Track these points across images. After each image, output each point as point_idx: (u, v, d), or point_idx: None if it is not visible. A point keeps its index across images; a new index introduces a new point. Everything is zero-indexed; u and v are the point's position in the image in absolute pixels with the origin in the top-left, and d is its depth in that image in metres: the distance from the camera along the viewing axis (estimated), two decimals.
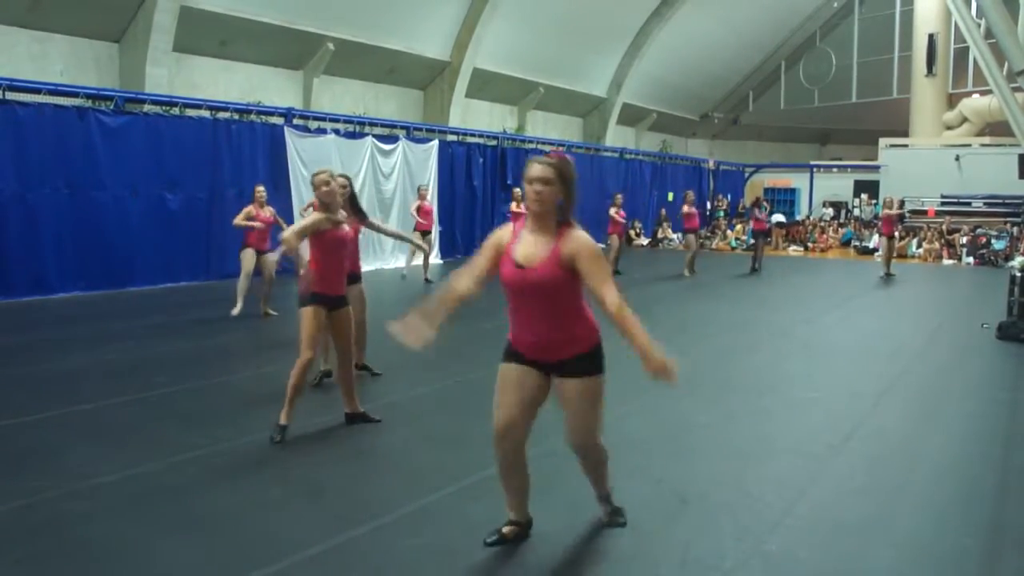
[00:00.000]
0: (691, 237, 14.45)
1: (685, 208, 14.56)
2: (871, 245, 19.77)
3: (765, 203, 18.39)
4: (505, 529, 3.28)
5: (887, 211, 14.58)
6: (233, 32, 14.16)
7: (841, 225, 23.46)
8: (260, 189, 9.09)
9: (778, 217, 22.20)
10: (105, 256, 10.57)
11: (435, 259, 15.78)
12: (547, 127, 22.91)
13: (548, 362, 3.05)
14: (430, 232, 13.28)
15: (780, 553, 3.24)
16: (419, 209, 12.75)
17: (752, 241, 16.01)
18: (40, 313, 8.95)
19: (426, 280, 12.32)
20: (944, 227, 19.95)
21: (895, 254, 16.32)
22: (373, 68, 17.25)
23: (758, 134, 30.32)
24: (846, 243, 21.95)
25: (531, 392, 3.08)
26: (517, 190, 13.75)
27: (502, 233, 3.11)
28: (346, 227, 4.97)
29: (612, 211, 13.90)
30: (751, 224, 16.44)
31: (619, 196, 14.22)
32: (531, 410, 3.11)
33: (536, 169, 2.94)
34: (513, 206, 13.35)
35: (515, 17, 18.65)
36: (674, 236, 21.37)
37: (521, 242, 3.00)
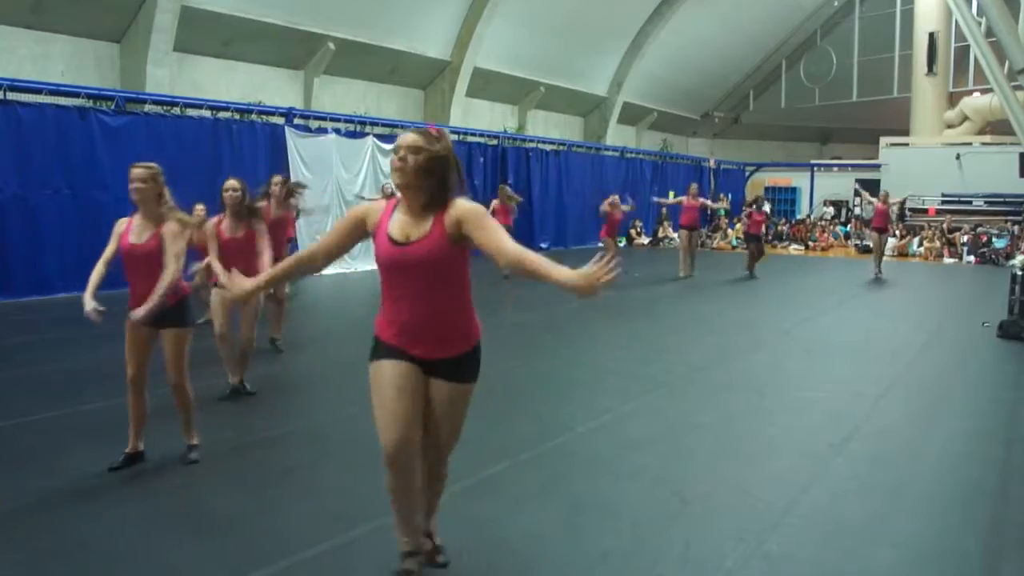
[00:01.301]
0: (684, 233, 13.56)
1: (685, 200, 13.68)
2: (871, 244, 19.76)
3: (766, 200, 17.27)
4: (409, 566, 2.81)
5: (880, 204, 14.30)
6: (234, 32, 14.16)
7: (842, 224, 23.52)
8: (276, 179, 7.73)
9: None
10: None
11: None
12: (548, 126, 22.90)
13: (424, 359, 2.70)
14: None
15: (780, 553, 3.23)
16: None
17: (745, 245, 15.08)
18: (40, 313, 8.96)
19: None
20: (945, 226, 19.93)
21: (890, 252, 16.29)
22: (374, 68, 17.25)
23: (759, 133, 30.29)
24: (846, 236, 22.07)
25: (417, 395, 2.69)
26: (508, 189, 13.62)
27: (371, 207, 2.79)
28: (233, 231, 5.41)
29: (604, 205, 13.10)
30: (745, 225, 15.33)
31: (615, 196, 13.45)
32: (419, 416, 2.70)
33: (406, 138, 2.64)
34: (495, 204, 13.02)
35: (516, 17, 18.65)
36: (675, 236, 21.36)
37: (395, 221, 2.68)
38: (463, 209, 2.62)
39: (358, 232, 2.77)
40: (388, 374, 2.67)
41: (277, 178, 7.33)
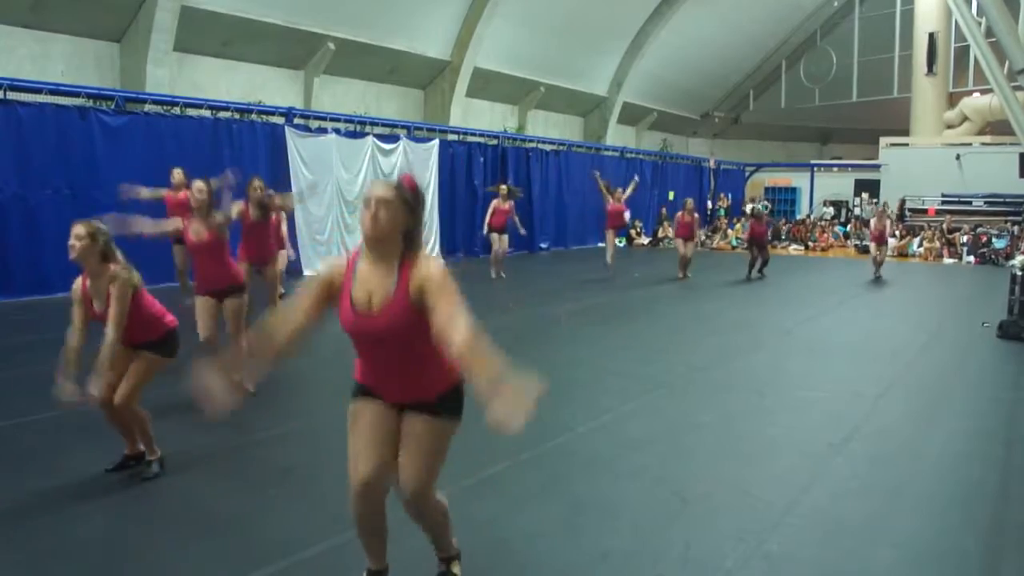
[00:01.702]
0: (680, 242, 13.81)
1: (683, 216, 13.92)
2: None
3: (766, 202, 16.97)
4: None
5: (876, 222, 14.41)
6: (234, 32, 14.16)
7: (842, 224, 23.54)
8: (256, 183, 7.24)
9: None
10: None
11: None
12: (548, 126, 22.90)
13: (402, 403, 2.67)
14: None
15: (780, 553, 3.24)
16: None
17: (746, 247, 15.14)
18: (40, 313, 8.96)
19: None
20: (945, 226, 19.94)
21: (890, 253, 16.23)
22: (374, 68, 17.25)
23: (759, 133, 30.29)
24: (845, 236, 22.20)
25: (390, 436, 2.65)
26: (503, 186, 13.58)
27: (334, 267, 2.63)
28: (199, 233, 5.26)
29: (603, 188, 13.43)
30: (747, 230, 15.36)
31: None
32: (394, 455, 2.65)
33: (377, 189, 2.52)
34: (496, 202, 12.97)
35: (515, 17, 18.65)
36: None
37: (358, 279, 2.55)
38: (427, 270, 2.49)
39: (327, 295, 2.61)
40: (362, 413, 2.66)
41: (257, 182, 6.98)
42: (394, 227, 2.50)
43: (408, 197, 2.54)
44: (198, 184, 5.35)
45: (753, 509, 3.67)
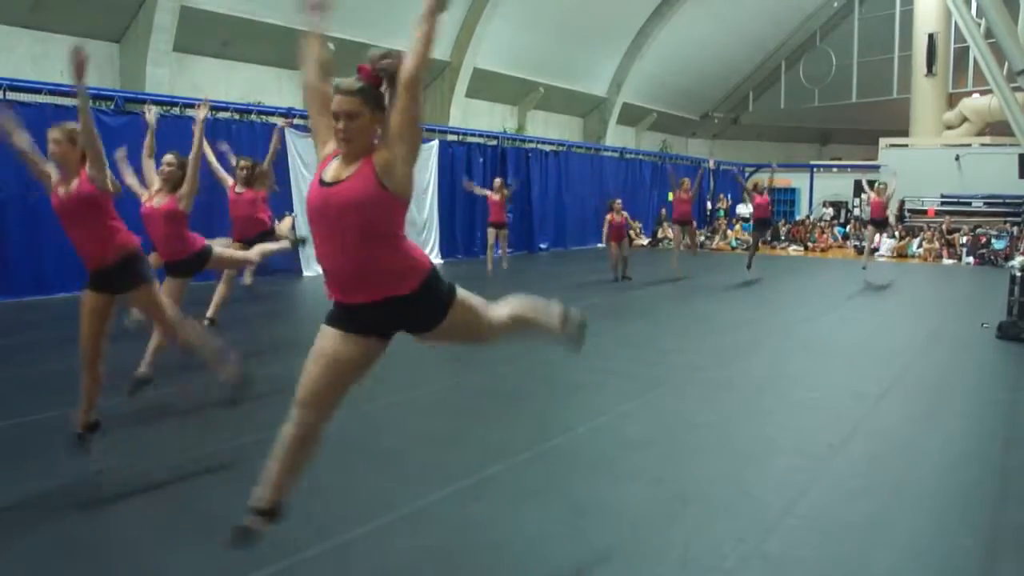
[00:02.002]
0: (677, 228, 13.48)
1: (681, 194, 13.31)
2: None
3: (768, 180, 16.01)
4: (254, 524, 2.77)
5: (875, 196, 14.18)
6: (234, 32, 14.16)
7: (840, 225, 23.56)
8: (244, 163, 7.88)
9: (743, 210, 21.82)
10: None
11: (436, 260, 15.84)
12: (547, 127, 22.90)
13: (376, 319, 2.61)
14: None
15: (780, 553, 3.24)
16: None
17: (752, 231, 14.56)
18: (40, 313, 8.96)
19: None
20: (944, 227, 19.95)
21: (889, 253, 16.21)
22: None
23: (758, 134, 30.30)
24: (843, 237, 22.25)
25: (344, 366, 2.64)
26: (497, 180, 13.73)
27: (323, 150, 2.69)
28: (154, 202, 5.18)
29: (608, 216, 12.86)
30: (751, 207, 14.51)
31: (617, 201, 13.04)
32: (339, 384, 2.67)
33: (339, 101, 2.50)
34: (489, 193, 13.24)
35: (515, 17, 18.65)
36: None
37: (331, 165, 2.59)
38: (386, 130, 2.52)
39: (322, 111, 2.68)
40: (322, 341, 2.66)
41: (244, 161, 7.62)
42: (367, 135, 2.52)
43: (372, 94, 2.53)
44: (168, 157, 5.27)
45: (752, 509, 3.67)
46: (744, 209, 23.11)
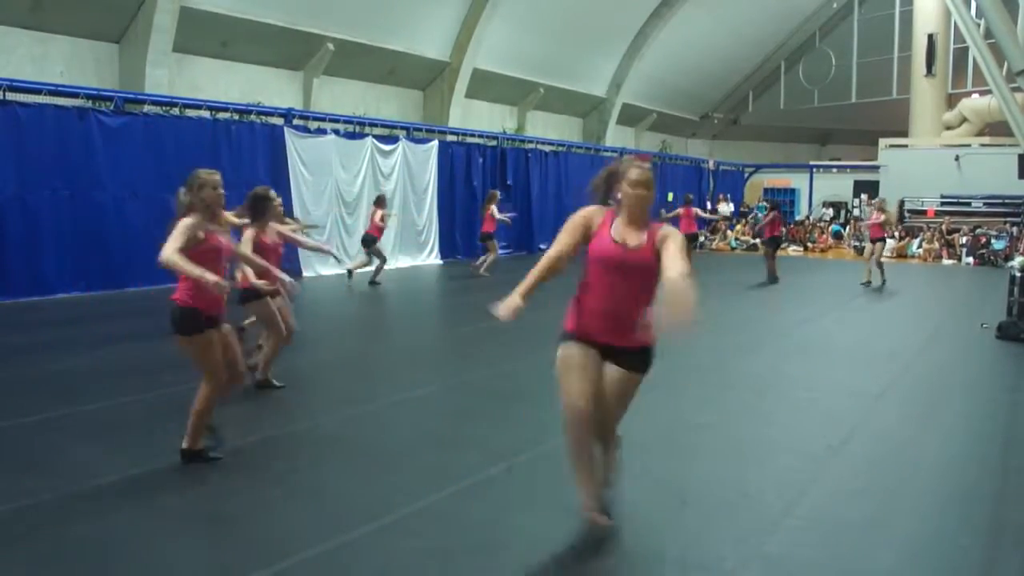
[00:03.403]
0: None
1: (680, 210, 13.92)
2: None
3: (764, 203, 16.64)
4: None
5: (873, 220, 13.96)
6: (233, 33, 14.16)
7: (839, 225, 23.58)
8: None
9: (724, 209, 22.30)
10: (105, 256, 10.56)
11: (435, 260, 15.86)
12: (547, 127, 22.91)
13: (612, 346, 3.17)
14: (378, 240, 12.37)
15: (780, 553, 3.24)
16: (383, 217, 12.25)
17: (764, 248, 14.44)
18: (40, 313, 8.95)
19: (372, 283, 12.01)
20: (944, 227, 19.95)
21: (889, 254, 16.11)
22: (373, 69, 17.25)
23: (758, 134, 30.30)
24: (836, 236, 22.27)
25: (596, 373, 3.19)
26: (495, 192, 13.79)
27: (590, 214, 3.27)
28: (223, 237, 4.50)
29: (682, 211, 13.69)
30: (764, 228, 14.48)
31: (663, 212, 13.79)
32: (597, 388, 3.19)
33: (647, 174, 3.21)
34: (493, 209, 13.17)
35: (515, 17, 18.66)
36: None
37: (615, 227, 3.21)
38: (668, 231, 3.20)
39: (586, 234, 3.23)
40: (572, 354, 3.18)
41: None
42: (651, 203, 3.24)
43: (653, 177, 3.29)
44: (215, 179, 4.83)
45: (752, 510, 3.67)
46: (726, 208, 23.83)
